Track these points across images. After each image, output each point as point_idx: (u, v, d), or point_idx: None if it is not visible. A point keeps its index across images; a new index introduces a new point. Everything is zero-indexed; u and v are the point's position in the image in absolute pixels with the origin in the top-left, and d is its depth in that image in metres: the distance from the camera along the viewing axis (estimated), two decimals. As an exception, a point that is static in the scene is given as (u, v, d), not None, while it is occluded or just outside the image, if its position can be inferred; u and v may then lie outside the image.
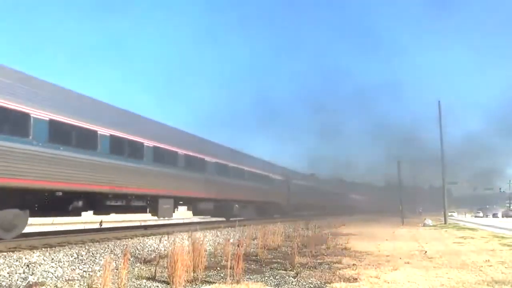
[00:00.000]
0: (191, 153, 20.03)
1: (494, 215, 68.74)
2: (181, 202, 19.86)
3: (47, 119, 11.42)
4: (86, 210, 14.07)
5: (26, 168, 10.52)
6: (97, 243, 11.05)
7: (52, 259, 8.28)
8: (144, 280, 7.20)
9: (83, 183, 12.49)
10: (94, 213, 14.65)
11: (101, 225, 16.31)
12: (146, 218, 20.57)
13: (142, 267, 8.59)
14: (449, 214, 71.24)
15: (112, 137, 14.05)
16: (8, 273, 6.99)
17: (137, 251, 10.48)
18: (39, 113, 11.15)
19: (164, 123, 19.83)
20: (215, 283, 7.14)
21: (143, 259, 9.60)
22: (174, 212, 18.33)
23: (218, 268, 8.54)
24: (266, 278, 7.72)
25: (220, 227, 18.22)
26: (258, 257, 10.31)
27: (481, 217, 68.34)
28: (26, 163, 10.57)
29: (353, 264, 9.44)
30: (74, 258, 8.66)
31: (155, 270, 7.65)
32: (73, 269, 7.84)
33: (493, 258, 10.61)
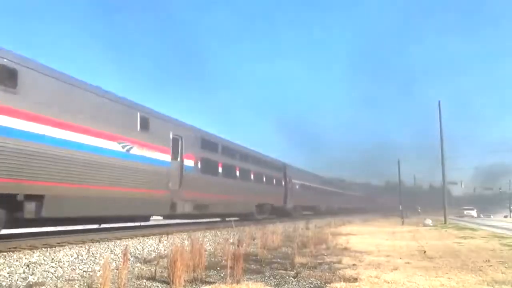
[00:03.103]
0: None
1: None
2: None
3: None
4: None
5: None
6: (97, 243, 11.06)
7: (52, 259, 8.28)
8: (144, 280, 7.19)
9: None
10: None
11: (100, 225, 16.29)
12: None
13: (142, 267, 8.58)
14: (465, 212, 62.67)
15: None
16: (8, 273, 6.99)
17: (137, 251, 10.48)
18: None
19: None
20: (215, 283, 7.13)
21: (143, 259, 9.60)
22: None
23: (218, 268, 8.53)
24: (266, 278, 7.72)
25: (219, 227, 18.25)
26: (258, 257, 10.30)
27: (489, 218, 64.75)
28: None
29: (353, 264, 9.44)
30: (74, 258, 8.66)
31: (155, 270, 7.65)
32: (73, 269, 7.84)
33: (493, 258, 10.61)
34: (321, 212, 42.87)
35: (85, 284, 6.70)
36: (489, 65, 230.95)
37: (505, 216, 63.75)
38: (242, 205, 23.27)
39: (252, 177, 24.70)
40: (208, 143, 19.52)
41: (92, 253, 9.28)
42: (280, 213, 30.97)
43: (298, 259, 9.49)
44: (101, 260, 8.55)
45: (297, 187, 35.09)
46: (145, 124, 14.29)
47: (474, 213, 63.85)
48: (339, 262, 9.87)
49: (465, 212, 63.19)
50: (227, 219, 24.03)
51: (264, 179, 27.04)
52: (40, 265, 7.71)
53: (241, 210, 23.65)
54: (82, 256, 8.90)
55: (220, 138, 21.83)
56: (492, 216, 65.44)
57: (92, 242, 11.18)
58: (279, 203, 30.28)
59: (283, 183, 31.41)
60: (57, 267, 7.77)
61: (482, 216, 64.96)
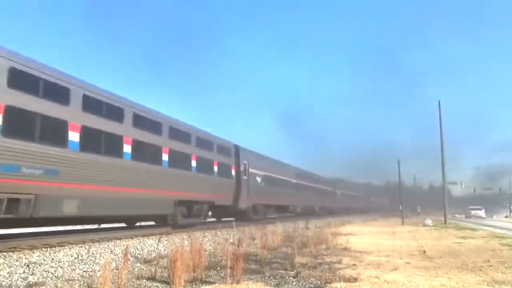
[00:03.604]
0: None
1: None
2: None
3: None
4: None
5: None
6: (97, 243, 11.07)
7: (52, 259, 8.29)
8: (144, 280, 7.20)
9: None
10: None
11: (99, 225, 16.27)
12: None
13: (142, 267, 8.59)
14: (473, 212, 56.31)
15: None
16: (8, 273, 7.00)
17: (137, 251, 10.48)
18: None
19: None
20: (215, 283, 7.14)
21: (143, 259, 9.61)
22: None
23: (218, 268, 8.53)
24: (266, 278, 7.72)
25: (218, 227, 18.22)
26: (258, 257, 10.31)
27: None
28: None
29: (353, 264, 9.44)
30: (74, 258, 8.67)
31: (155, 270, 7.66)
32: (73, 269, 7.84)
33: (493, 258, 10.61)
34: (296, 214, 34.92)
35: (85, 284, 6.70)
36: (489, 65, 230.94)
37: (506, 216, 61.62)
38: (140, 202, 14.20)
39: (165, 158, 15.85)
40: (33, 81, 10.56)
41: (92, 253, 9.29)
42: (229, 215, 24.22)
43: (298, 259, 9.50)
44: (101, 260, 8.55)
45: (258, 179, 26.26)
46: None
47: (482, 213, 56.71)
48: (339, 262, 9.88)
49: (473, 212, 56.96)
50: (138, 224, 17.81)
51: (194, 164, 18.17)
52: (40, 265, 7.71)
53: (139, 210, 14.69)
54: (82, 256, 8.90)
55: (80, 82, 12.28)
56: (494, 216, 62.32)
57: (92, 242, 11.19)
58: (226, 201, 21.61)
59: (233, 172, 22.73)
60: (57, 267, 7.78)
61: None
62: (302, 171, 39.77)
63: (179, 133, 17.37)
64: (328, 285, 7.08)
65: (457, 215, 61.85)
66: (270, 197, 28.36)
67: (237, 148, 23.87)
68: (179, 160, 16.90)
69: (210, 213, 22.29)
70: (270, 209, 29.44)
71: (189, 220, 17.92)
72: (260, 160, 27.69)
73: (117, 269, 7.13)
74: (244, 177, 23.84)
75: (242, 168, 23.66)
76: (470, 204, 66.47)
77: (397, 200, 51.59)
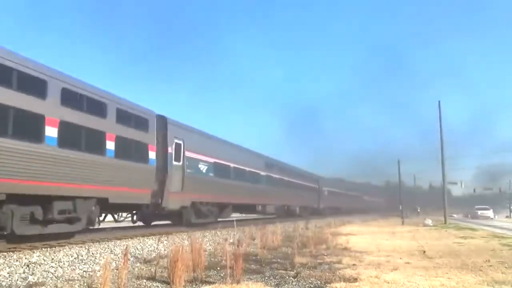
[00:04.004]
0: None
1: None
2: None
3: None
4: None
5: None
6: (97, 243, 11.08)
7: (52, 259, 8.29)
8: (144, 280, 7.20)
9: None
10: None
11: (99, 224, 16.21)
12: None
13: (142, 267, 8.59)
14: (479, 212, 52.08)
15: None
16: (8, 273, 7.00)
17: (137, 251, 10.49)
18: None
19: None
20: (215, 283, 7.14)
21: (143, 259, 9.61)
22: None
23: (218, 268, 8.54)
24: (266, 278, 7.72)
25: (218, 227, 18.21)
26: (258, 257, 10.31)
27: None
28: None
29: (353, 264, 9.45)
30: (74, 258, 8.67)
31: (155, 270, 7.66)
32: (73, 269, 7.85)
33: (493, 258, 10.61)
34: (266, 215, 28.37)
35: (85, 284, 6.71)
36: (490, 65, 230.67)
37: (507, 217, 59.43)
38: None
39: None
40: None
41: (92, 253, 9.29)
42: (162, 218, 17.73)
43: (298, 259, 9.50)
44: (101, 260, 8.56)
45: (203, 168, 19.05)
46: None
47: (490, 213, 51.92)
48: (339, 262, 9.88)
49: (479, 212, 52.37)
50: None
51: (54, 133, 10.71)
52: (40, 265, 7.71)
53: None
54: (82, 256, 8.90)
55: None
56: (496, 217, 57.71)
57: (92, 242, 11.19)
58: (136, 196, 14.08)
59: (152, 155, 14.96)
60: (57, 267, 7.78)
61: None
62: (276, 161, 31.98)
63: (12, 75, 9.79)
64: (328, 285, 7.08)
65: (455, 215, 59.17)
66: (223, 194, 20.97)
67: (162, 120, 16.21)
68: (9, 124, 9.61)
69: (127, 214, 15.98)
70: (226, 209, 22.36)
71: (44, 228, 10.66)
72: (206, 141, 20.00)
73: (117, 269, 7.14)
74: (176, 163, 16.54)
75: (171, 150, 16.26)
76: (470, 204, 65.55)
77: (397, 200, 51.42)
